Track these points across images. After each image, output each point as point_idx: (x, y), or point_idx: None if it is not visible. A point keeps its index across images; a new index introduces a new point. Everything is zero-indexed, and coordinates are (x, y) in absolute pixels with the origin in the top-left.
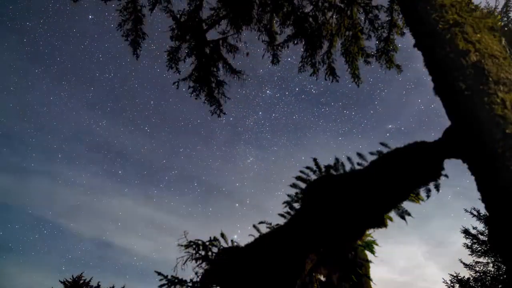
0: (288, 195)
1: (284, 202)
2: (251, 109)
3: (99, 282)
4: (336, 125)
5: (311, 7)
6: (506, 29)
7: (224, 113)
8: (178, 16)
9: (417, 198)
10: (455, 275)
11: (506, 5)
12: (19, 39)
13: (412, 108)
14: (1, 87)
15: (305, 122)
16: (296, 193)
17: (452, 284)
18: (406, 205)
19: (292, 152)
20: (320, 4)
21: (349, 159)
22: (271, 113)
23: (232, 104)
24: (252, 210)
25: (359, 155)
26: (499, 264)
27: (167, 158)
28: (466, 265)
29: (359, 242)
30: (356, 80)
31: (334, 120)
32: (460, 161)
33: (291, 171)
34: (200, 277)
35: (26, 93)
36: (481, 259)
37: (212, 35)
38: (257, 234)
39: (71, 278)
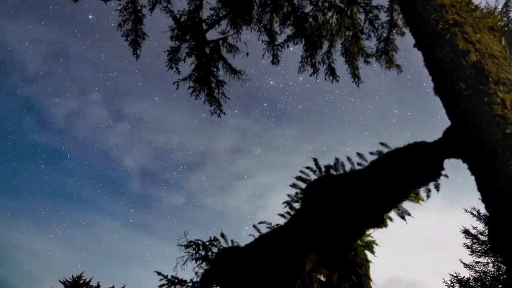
0: (288, 195)
1: (284, 202)
2: (256, 101)
3: (99, 282)
4: (341, 113)
5: (311, 7)
6: (506, 29)
7: (224, 113)
8: (178, 16)
9: (417, 198)
10: (455, 275)
11: (506, 5)
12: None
13: (417, 92)
14: (5, 91)
15: (310, 111)
16: (296, 193)
17: (452, 284)
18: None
19: (298, 142)
20: (320, 4)
21: (349, 159)
22: (275, 104)
23: (236, 97)
24: (260, 201)
25: (359, 155)
26: (499, 264)
27: (174, 154)
28: (466, 265)
29: (359, 242)
30: (356, 80)
31: (339, 108)
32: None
33: (298, 161)
34: (200, 277)
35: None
36: (481, 259)
37: (212, 35)
38: (257, 234)
39: (71, 278)
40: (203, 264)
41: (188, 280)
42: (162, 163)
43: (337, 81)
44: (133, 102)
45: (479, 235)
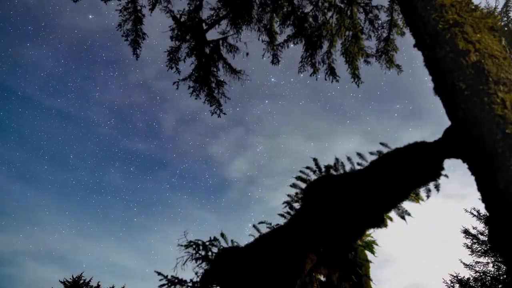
0: (288, 195)
1: (284, 202)
2: (257, 98)
3: (99, 282)
4: (343, 108)
5: (311, 7)
6: (506, 29)
7: (224, 113)
8: (178, 16)
9: (417, 198)
10: (455, 275)
11: (506, 5)
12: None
13: (419, 87)
14: (8, 93)
15: (312, 107)
16: (296, 193)
17: (452, 284)
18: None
19: (301, 138)
20: (320, 4)
21: (349, 159)
22: (277, 101)
23: (237, 94)
24: (264, 197)
25: (359, 155)
26: (499, 264)
27: (177, 152)
28: (466, 265)
29: (359, 242)
30: (356, 80)
31: (341, 103)
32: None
33: (301, 158)
34: (200, 277)
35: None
36: (481, 259)
37: (212, 35)
38: (257, 234)
39: (71, 278)
40: (203, 264)
41: (188, 280)
42: (267, 169)
43: (337, 81)
44: (253, 106)
45: (479, 235)
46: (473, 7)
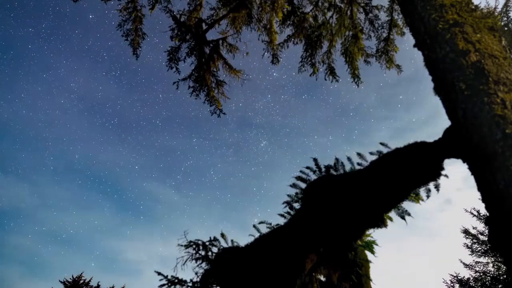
0: (288, 195)
1: (284, 202)
2: (260, 93)
3: (99, 282)
4: (346, 101)
5: (311, 7)
6: (506, 29)
7: (224, 113)
8: (178, 16)
9: (417, 198)
10: (455, 275)
11: (506, 5)
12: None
13: (422, 77)
14: (12, 95)
15: (315, 100)
16: (296, 193)
17: (452, 284)
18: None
19: (304, 132)
20: (320, 4)
21: (349, 159)
22: (279, 95)
23: (239, 90)
24: (269, 193)
25: (359, 155)
26: (499, 264)
27: (180, 150)
28: (466, 265)
29: (359, 242)
30: (356, 80)
31: (344, 96)
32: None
33: (304, 152)
34: (200, 277)
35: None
36: (481, 259)
37: (212, 35)
38: (257, 234)
39: (71, 278)
40: (203, 264)
41: (188, 280)
42: None
43: (337, 81)
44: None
45: (479, 235)
46: (473, 7)
